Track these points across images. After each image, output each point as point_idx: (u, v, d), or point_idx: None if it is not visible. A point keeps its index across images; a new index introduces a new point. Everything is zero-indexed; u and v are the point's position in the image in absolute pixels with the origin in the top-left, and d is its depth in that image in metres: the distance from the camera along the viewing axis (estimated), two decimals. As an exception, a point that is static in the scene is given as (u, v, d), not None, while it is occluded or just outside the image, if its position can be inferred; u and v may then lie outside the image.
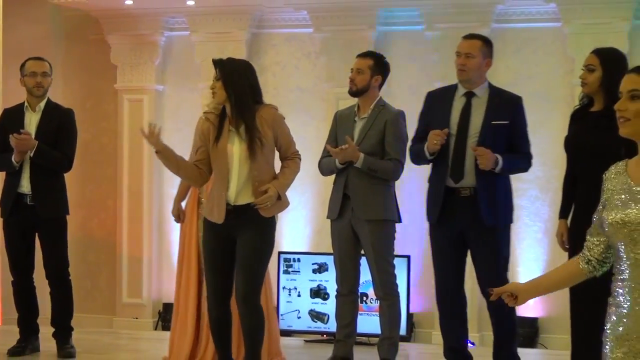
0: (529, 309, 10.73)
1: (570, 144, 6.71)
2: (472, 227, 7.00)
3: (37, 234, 8.30)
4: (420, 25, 11.85)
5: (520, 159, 7.12)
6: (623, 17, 11.18)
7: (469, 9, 11.38)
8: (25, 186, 8.16)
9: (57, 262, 8.29)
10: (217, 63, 6.67)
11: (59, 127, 8.26)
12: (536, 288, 4.11)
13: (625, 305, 3.74)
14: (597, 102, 6.63)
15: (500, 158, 6.89)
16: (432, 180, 7.25)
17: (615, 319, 3.78)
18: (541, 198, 11.19)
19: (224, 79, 6.62)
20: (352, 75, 7.60)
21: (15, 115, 8.33)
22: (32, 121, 8.27)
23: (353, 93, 7.67)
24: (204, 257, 6.98)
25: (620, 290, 3.76)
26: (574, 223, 6.61)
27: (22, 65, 8.36)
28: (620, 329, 3.75)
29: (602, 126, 6.17)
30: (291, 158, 6.86)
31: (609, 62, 6.57)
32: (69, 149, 8.26)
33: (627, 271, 3.73)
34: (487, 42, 7.21)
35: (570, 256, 6.48)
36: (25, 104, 8.33)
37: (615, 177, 3.87)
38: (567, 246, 6.70)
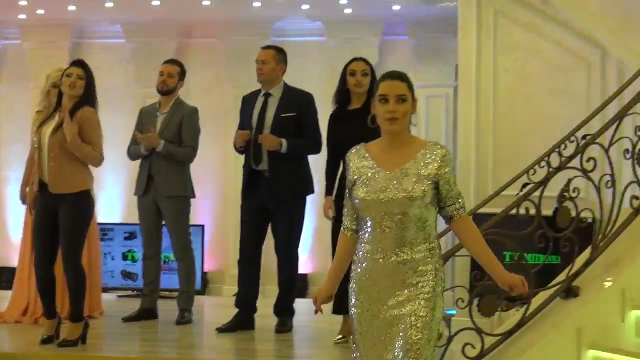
0: (300, 266, 10.93)
1: (336, 138, 6.86)
2: (270, 201, 7.13)
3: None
4: (214, 38, 11.86)
5: (306, 143, 7.22)
6: (375, 33, 11.48)
7: (255, 24, 11.44)
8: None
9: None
10: (82, 63, 6.61)
11: None
12: (335, 282, 4.10)
13: (365, 263, 3.87)
14: (357, 101, 6.80)
15: (284, 141, 7.00)
16: (244, 164, 7.33)
17: (359, 271, 3.89)
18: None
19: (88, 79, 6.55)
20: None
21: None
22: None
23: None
24: (31, 227, 6.84)
25: (363, 251, 3.88)
26: (337, 199, 6.81)
27: None
28: (362, 278, 3.87)
29: (363, 121, 6.31)
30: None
31: (372, 69, 6.85)
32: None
33: (373, 238, 3.84)
34: (279, 51, 7.36)
35: (333, 224, 6.70)
36: None
37: (359, 160, 3.93)
38: (331, 216, 6.89)
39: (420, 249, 3.81)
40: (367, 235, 3.85)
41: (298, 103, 7.25)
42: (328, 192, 7.00)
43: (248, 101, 7.40)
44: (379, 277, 3.82)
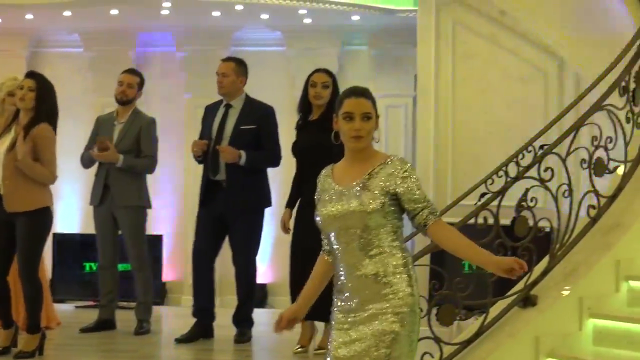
0: (259, 276, 10.89)
1: (298, 148, 6.87)
2: (227, 212, 7.11)
3: None
4: (173, 47, 11.80)
5: (264, 156, 7.22)
6: (334, 44, 11.49)
7: (213, 33, 11.40)
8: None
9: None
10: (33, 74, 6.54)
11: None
12: (307, 301, 4.07)
13: (343, 279, 3.83)
14: (316, 112, 6.82)
15: (243, 154, 7.00)
16: (202, 174, 7.31)
17: (338, 285, 3.86)
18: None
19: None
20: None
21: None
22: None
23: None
24: None
25: (339, 268, 3.84)
26: (299, 213, 6.83)
27: None
28: (343, 295, 3.83)
29: (321, 132, 6.30)
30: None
31: (335, 81, 6.86)
32: None
33: (339, 254, 3.82)
34: (240, 64, 7.36)
35: (294, 237, 6.81)
36: None
37: (324, 179, 3.93)
38: (288, 228, 6.91)
39: (387, 261, 3.76)
40: (335, 252, 3.85)
41: (258, 115, 7.25)
42: (290, 203, 6.99)
43: (210, 111, 7.39)
44: (351, 292, 3.79)
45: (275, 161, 7.29)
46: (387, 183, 3.78)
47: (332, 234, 3.83)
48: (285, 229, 7.01)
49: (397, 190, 3.77)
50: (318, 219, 3.86)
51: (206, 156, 7.20)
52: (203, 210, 7.33)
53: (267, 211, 7.47)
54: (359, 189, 3.78)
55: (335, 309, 3.85)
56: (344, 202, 3.78)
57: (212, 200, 7.21)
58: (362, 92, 3.87)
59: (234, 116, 7.23)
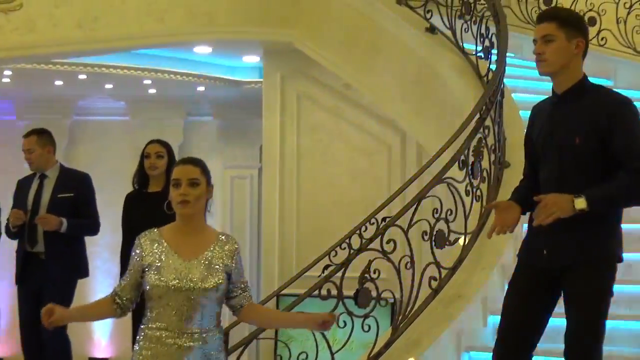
0: (100, 349, 10.59)
1: (133, 220, 6.69)
2: (46, 283, 6.85)
3: None
4: (13, 116, 11.50)
5: (85, 223, 7.04)
6: (179, 114, 11.43)
7: (56, 102, 11.16)
8: None
9: None
10: None
11: None
12: (73, 313, 4.08)
13: (152, 344, 3.73)
14: (155, 184, 6.68)
15: (65, 221, 6.80)
16: (17, 246, 7.03)
17: (144, 352, 3.76)
18: (110, 260, 11.07)
19: None
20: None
21: None
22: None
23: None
24: None
25: (150, 332, 3.75)
26: None
27: None
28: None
29: (161, 204, 6.19)
30: None
31: (171, 151, 6.76)
32: None
33: (161, 320, 3.72)
34: (41, 134, 7.17)
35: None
36: None
37: (151, 244, 3.84)
38: None
39: (213, 338, 3.76)
40: (154, 316, 3.75)
41: (75, 183, 7.12)
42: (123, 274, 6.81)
43: (23, 184, 7.20)
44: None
45: (96, 229, 7.15)
46: (226, 261, 3.77)
47: (161, 302, 3.73)
48: None
49: (231, 269, 3.78)
50: (148, 287, 3.76)
51: (22, 228, 6.97)
52: (21, 285, 7.05)
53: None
54: (199, 263, 3.73)
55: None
56: (185, 276, 3.71)
57: (31, 273, 6.95)
58: (190, 160, 3.90)
59: (50, 186, 7.06)
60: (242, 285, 3.87)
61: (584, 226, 3.91)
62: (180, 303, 3.70)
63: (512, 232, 4.24)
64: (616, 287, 4.01)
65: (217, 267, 3.76)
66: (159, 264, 3.77)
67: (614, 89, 4.23)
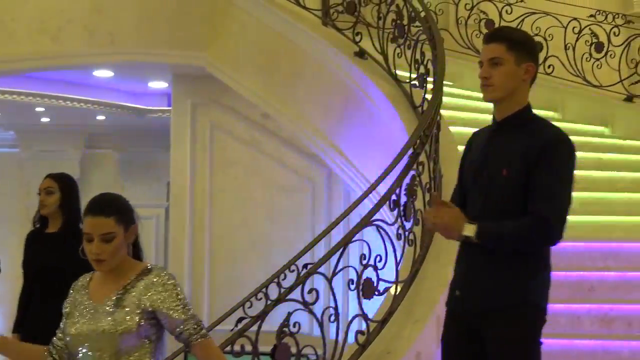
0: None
1: (30, 264, 6.56)
2: None
3: None
4: None
5: None
6: (76, 146, 11.31)
7: None
8: None
9: None
10: None
11: None
12: (11, 347, 3.89)
13: None
14: (52, 225, 6.55)
15: None
16: None
17: None
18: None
19: None
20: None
21: None
22: None
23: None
24: None
25: None
26: None
27: None
28: None
29: (59, 246, 6.07)
30: None
31: (67, 186, 6.58)
32: None
33: None
34: None
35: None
36: None
37: (79, 290, 3.79)
38: None
39: None
40: None
41: None
42: (17, 327, 6.65)
43: None
44: None
45: None
46: (146, 299, 3.65)
47: (81, 349, 3.66)
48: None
49: (155, 308, 3.65)
50: (68, 339, 3.69)
51: None
52: None
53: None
54: (114, 305, 3.65)
55: None
56: (94, 321, 3.64)
57: None
58: (101, 209, 3.69)
59: None
60: (182, 321, 3.65)
61: (502, 266, 3.90)
62: (93, 352, 3.63)
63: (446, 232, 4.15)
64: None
65: (135, 306, 3.63)
66: (76, 313, 3.71)
67: (562, 122, 4.25)
